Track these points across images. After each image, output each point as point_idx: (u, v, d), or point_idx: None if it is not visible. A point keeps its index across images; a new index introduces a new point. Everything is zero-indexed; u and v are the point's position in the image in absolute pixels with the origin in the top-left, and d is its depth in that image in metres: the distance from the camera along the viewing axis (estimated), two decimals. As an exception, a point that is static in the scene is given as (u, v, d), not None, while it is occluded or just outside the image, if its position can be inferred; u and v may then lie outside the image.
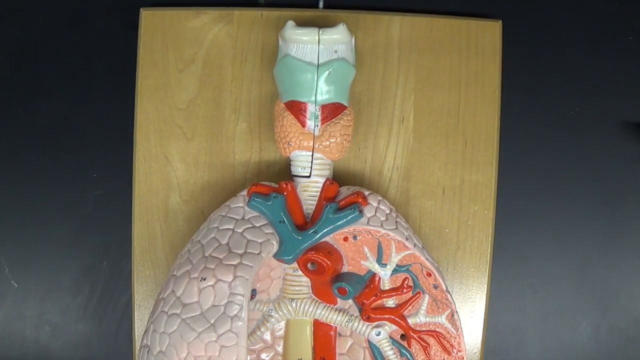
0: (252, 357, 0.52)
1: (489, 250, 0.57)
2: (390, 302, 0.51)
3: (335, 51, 0.50)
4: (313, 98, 0.50)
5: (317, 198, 0.51)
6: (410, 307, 0.50)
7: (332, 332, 0.52)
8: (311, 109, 0.50)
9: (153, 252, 0.57)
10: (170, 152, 0.57)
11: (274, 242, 0.48)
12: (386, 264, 0.50)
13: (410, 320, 0.50)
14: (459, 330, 0.50)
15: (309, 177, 0.51)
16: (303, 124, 0.51)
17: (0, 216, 0.59)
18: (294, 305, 0.51)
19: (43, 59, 0.59)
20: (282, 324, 0.52)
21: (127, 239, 0.58)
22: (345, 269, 0.51)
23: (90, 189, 0.59)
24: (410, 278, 0.50)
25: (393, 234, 0.49)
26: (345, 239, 0.50)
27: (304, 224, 0.50)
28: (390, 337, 0.51)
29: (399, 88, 0.56)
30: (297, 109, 0.50)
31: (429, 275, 0.50)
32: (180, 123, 0.57)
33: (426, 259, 0.49)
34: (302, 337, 0.52)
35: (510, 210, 0.58)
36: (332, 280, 0.50)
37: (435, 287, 0.50)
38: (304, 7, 0.57)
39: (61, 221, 0.59)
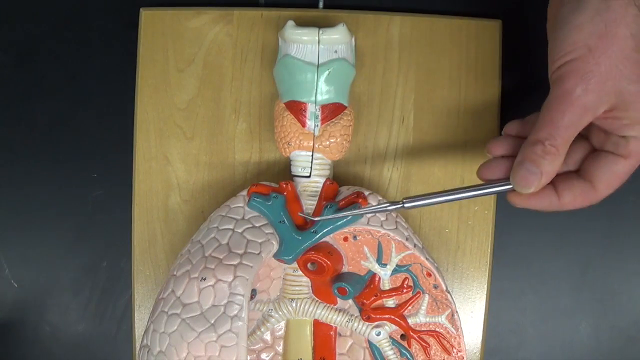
0: (252, 357, 0.52)
1: (489, 250, 0.57)
2: (390, 302, 0.51)
3: (335, 51, 0.50)
4: (313, 98, 0.50)
5: (317, 198, 0.51)
6: (410, 307, 0.50)
7: (332, 332, 0.52)
8: (311, 109, 0.50)
9: (153, 252, 0.57)
10: (170, 152, 0.57)
11: (274, 242, 0.48)
12: (386, 264, 0.50)
13: (410, 320, 0.50)
14: (459, 330, 0.50)
15: (309, 177, 0.51)
16: (303, 124, 0.51)
17: (0, 216, 0.59)
18: (294, 305, 0.51)
19: (43, 58, 0.59)
20: (282, 324, 0.52)
21: (127, 239, 0.58)
22: (345, 269, 0.51)
23: (90, 189, 0.59)
24: (410, 278, 0.50)
25: (393, 234, 0.49)
26: (345, 239, 0.50)
27: (304, 224, 0.50)
28: (390, 337, 0.51)
29: (399, 88, 0.56)
30: (297, 109, 0.50)
31: (429, 275, 0.50)
32: (180, 123, 0.57)
33: (426, 259, 0.49)
34: (302, 337, 0.52)
35: (510, 210, 0.58)
36: (332, 280, 0.50)
37: (435, 287, 0.50)
38: (304, 7, 0.57)
39: (61, 221, 0.59)
